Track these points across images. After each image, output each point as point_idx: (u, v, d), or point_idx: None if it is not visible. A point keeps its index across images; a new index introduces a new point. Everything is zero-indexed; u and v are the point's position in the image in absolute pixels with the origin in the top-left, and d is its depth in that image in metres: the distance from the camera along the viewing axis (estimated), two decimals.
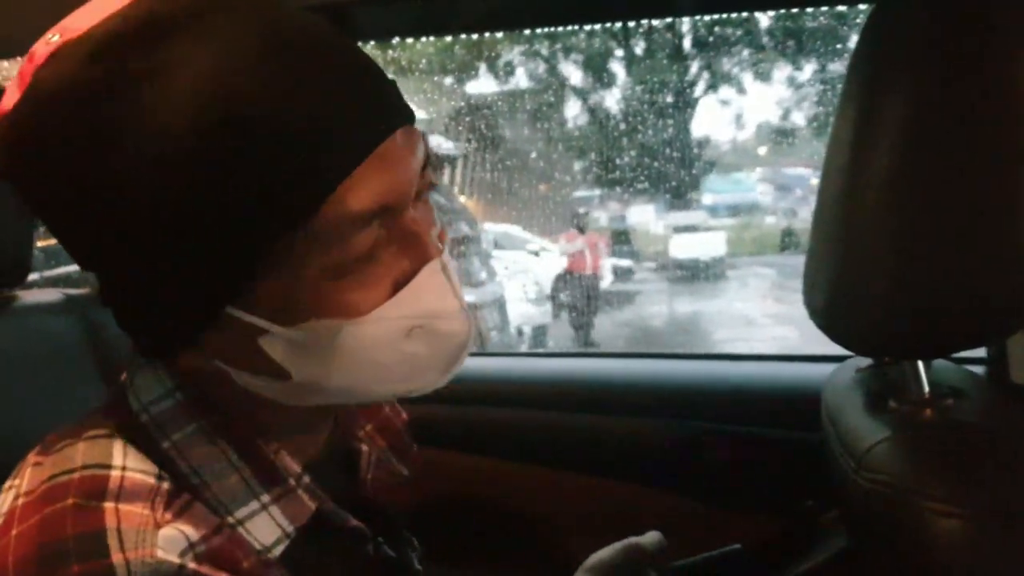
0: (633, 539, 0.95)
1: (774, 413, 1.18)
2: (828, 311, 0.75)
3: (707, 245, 8.00)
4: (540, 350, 5.21)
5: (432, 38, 6.54)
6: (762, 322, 6.74)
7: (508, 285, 5.51)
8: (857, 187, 0.71)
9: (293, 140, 0.50)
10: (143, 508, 0.53)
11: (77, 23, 0.52)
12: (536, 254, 6.91)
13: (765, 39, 7.53)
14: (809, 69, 7.28)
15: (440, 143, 6.14)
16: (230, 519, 0.57)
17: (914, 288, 0.66)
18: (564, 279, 6.67)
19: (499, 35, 7.58)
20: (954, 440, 0.67)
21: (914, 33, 0.69)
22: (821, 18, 5.82)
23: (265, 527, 0.59)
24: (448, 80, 7.28)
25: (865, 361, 0.89)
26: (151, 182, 0.49)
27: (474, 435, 1.41)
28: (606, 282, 7.20)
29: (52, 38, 0.53)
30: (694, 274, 7.64)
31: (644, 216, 8.47)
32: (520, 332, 5.55)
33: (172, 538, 0.52)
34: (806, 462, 0.98)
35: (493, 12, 1.37)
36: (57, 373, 1.06)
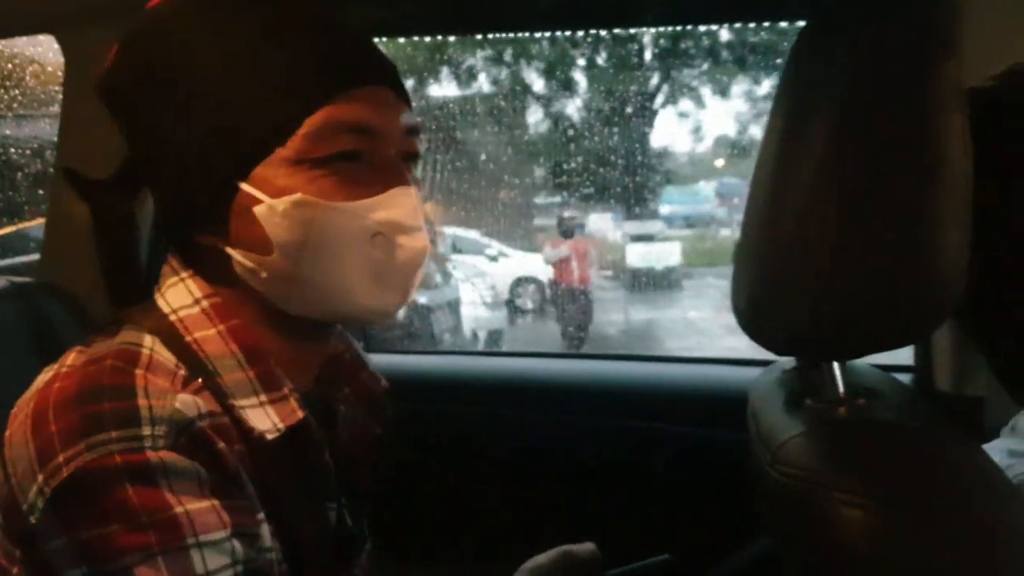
0: (568, 547, 0.98)
1: (712, 414, 1.21)
2: (750, 313, 0.79)
3: (663, 255, 8.06)
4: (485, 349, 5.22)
5: (392, 39, 6.54)
6: (715, 332, 6.82)
7: (464, 289, 5.53)
8: (781, 195, 0.74)
9: (308, 64, 0.69)
10: (165, 380, 0.65)
11: None
12: (494, 259, 6.92)
13: (724, 53, 7.66)
14: (767, 84, 7.40)
15: None
16: (236, 403, 0.69)
17: (830, 293, 0.69)
18: (555, 290, 6.25)
19: (462, 39, 7.61)
20: (863, 436, 0.71)
21: (839, 53, 0.73)
22: (780, 35, 5.93)
23: (261, 419, 0.70)
24: (410, 82, 7.27)
25: (791, 364, 0.92)
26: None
27: (417, 431, 1.43)
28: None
29: None
30: (650, 283, 7.71)
31: (602, 224, 8.50)
32: (475, 336, 5.57)
33: (188, 402, 0.64)
34: (739, 462, 1.02)
35: (454, 16, 1.40)
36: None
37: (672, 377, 1.38)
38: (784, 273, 0.73)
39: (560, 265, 6.36)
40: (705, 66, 7.88)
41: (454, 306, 5.06)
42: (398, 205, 0.71)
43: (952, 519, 0.61)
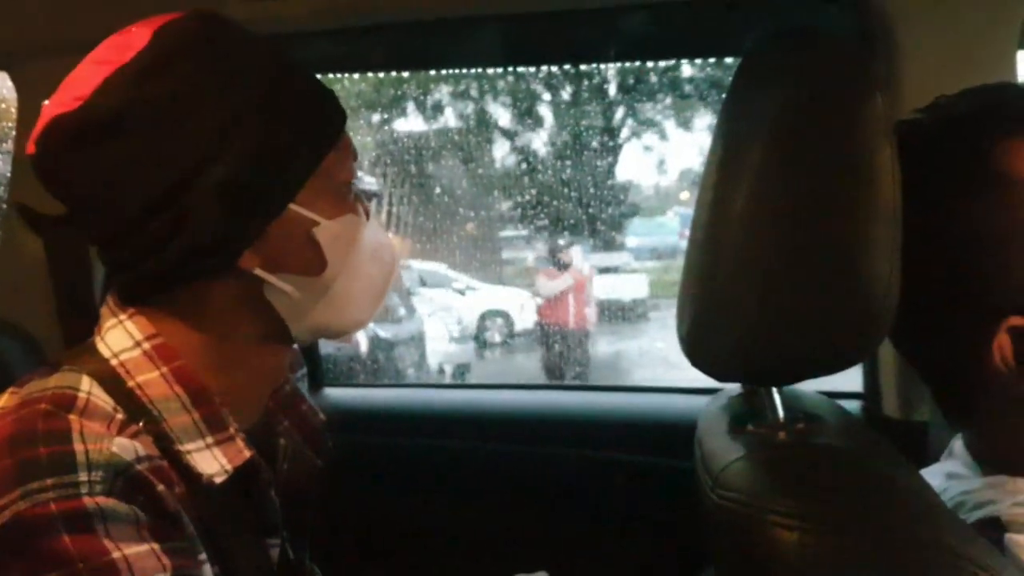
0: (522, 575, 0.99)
1: (665, 442, 1.22)
2: (691, 341, 0.80)
3: (630, 287, 8.10)
4: (443, 382, 5.16)
5: (359, 75, 6.57)
6: (682, 362, 6.77)
7: (431, 323, 5.51)
8: (718, 225, 0.76)
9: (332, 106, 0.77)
10: (101, 425, 0.64)
11: None
12: (461, 292, 6.91)
13: (687, 87, 7.78)
14: None
15: (361, 177, 6.13)
16: (180, 447, 0.69)
17: (765, 320, 0.71)
18: (545, 333, 5.42)
19: (430, 73, 7.67)
20: (801, 460, 0.72)
21: (773, 86, 0.75)
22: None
23: (208, 461, 0.70)
24: (376, 117, 7.31)
25: (737, 391, 0.94)
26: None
27: (380, 463, 1.43)
28: (530, 323, 7.16)
29: None
30: (617, 315, 7.74)
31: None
32: (441, 369, 5.54)
33: (126, 446, 0.64)
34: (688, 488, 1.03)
35: (419, 52, 1.43)
36: None
37: (627, 406, 1.39)
38: (722, 301, 0.74)
39: (555, 302, 5.50)
40: (668, 100, 8.00)
41: (418, 340, 5.04)
42: (379, 228, 0.81)
43: (883, 541, 0.62)
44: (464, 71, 7.43)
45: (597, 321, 6.86)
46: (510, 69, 7.78)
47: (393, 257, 0.82)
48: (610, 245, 8.06)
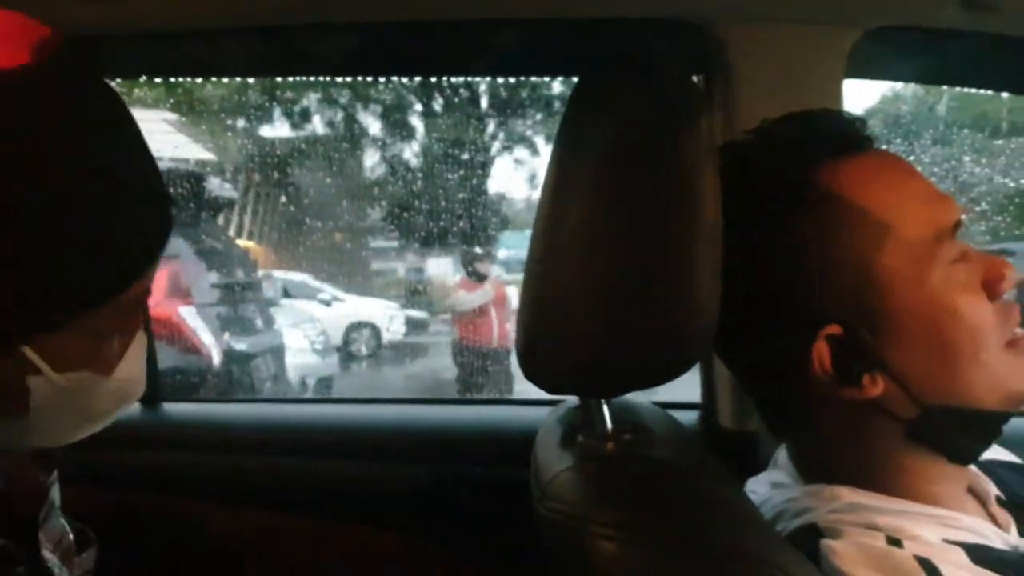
0: None
1: (510, 454, 1.22)
2: (526, 354, 0.81)
3: None
4: (287, 396, 4.99)
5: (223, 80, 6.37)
6: None
7: (294, 335, 5.37)
8: (554, 243, 0.77)
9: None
10: None
11: None
12: (327, 303, 6.78)
13: (557, 104, 7.92)
14: None
15: (220, 185, 5.93)
16: None
17: (593, 333, 0.72)
18: (459, 352, 4.83)
19: (297, 80, 7.50)
20: (624, 471, 0.73)
21: (605, 111, 0.76)
22: None
23: None
24: (241, 122, 7.10)
25: (575, 402, 0.95)
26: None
27: (220, 481, 1.37)
28: (398, 335, 7.10)
29: None
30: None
31: (440, 269, 8.53)
32: (304, 383, 5.40)
33: None
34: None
35: (256, 58, 1.38)
36: None
37: (473, 418, 1.39)
38: (555, 316, 0.75)
39: (472, 317, 4.86)
40: (539, 116, 8.12)
41: (276, 352, 4.89)
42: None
43: (699, 552, 0.64)
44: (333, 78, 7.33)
45: None
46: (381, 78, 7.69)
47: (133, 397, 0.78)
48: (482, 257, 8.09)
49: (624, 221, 0.72)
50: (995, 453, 0.95)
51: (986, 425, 0.78)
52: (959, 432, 0.77)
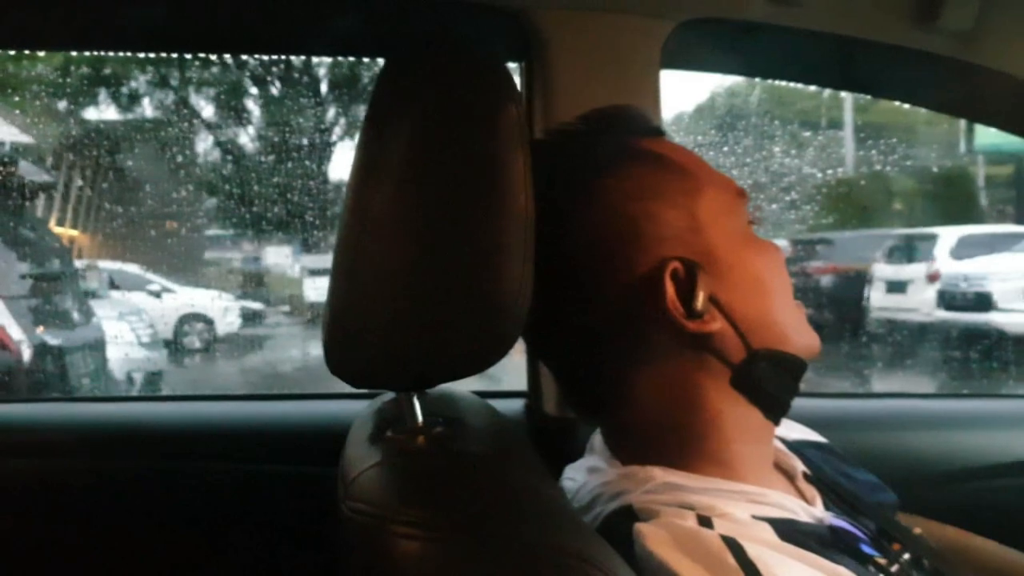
0: None
1: (320, 450, 1.19)
2: (332, 347, 0.77)
3: None
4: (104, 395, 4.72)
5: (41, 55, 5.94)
6: None
7: (120, 328, 5.05)
8: (360, 229, 0.74)
9: None
10: None
11: None
12: (157, 295, 6.42)
13: None
14: None
15: (34, 170, 5.51)
16: None
17: (402, 323, 0.70)
18: None
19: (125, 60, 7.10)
20: (432, 466, 0.72)
21: (415, 93, 0.74)
22: None
23: None
24: (63, 103, 6.62)
25: (389, 396, 0.92)
26: None
27: (27, 487, 1.28)
28: (234, 327, 6.80)
29: None
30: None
31: (279, 258, 8.28)
32: (130, 379, 5.10)
33: None
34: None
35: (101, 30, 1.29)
36: None
37: (286, 414, 1.34)
38: (361, 307, 0.73)
39: None
40: None
41: (96, 347, 4.59)
42: None
43: (506, 547, 0.63)
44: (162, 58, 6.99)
45: (306, 326, 6.68)
46: (214, 58, 7.37)
47: None
48: (323, 246, 7.92)
49: (434, 208, 0.70)
50: (800, 433, 1.01)
51: (796, 371, 0.85)
52: (776, 378, 0.83)
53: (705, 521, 0.74)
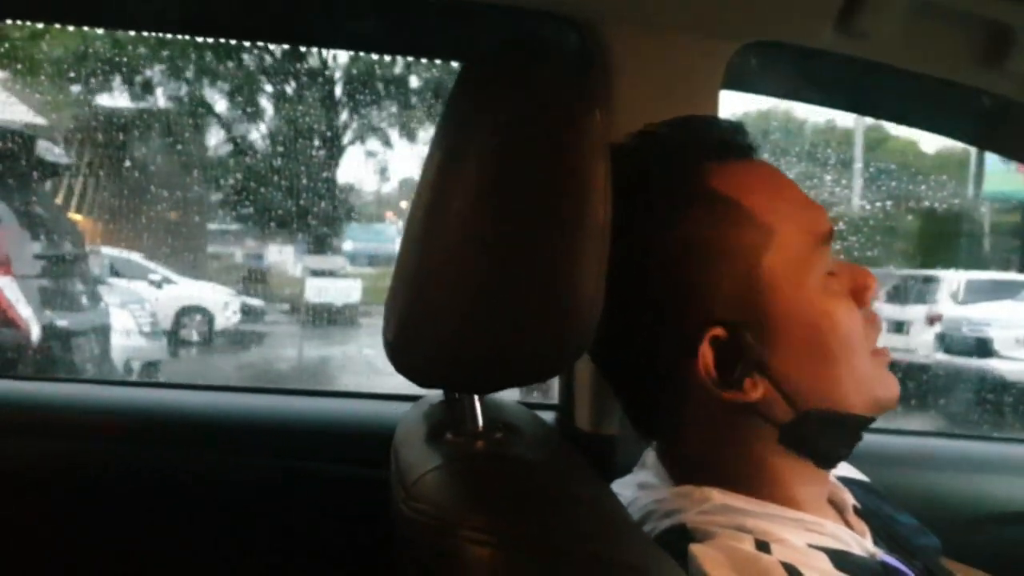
0: None
1: (362, 450, 1.17)
2: (397, 345, 0.76)
3: (343, 291, 7.99)
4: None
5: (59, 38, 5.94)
6: (388, 370, 6.80)
7: (121, 316, 5.03)
8: (432, 231, 0.73)
9: None
10: None
11: None
12: (158, 285, 6.39)
13: (414, 99, 7.85)
14: None
15: (49, 148, 5.47)
16: None
17: (471, 327, 0.69)
18: None
19: (141, 50, 7.09)
20: (495, 472, 0.71)
21: (494, 95, 0.73)
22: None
23: None
24: (76, 87, 6.62)
25: (438, 398, 0.91)
26: None
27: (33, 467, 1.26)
28: (233, 322, 6.77)
29: None
30: (327, 319, 7.59)
31: (281, 257, 8.28)
32: (129, 366, 5.07)
33: None
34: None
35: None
36: None
37: (321, 412, 1.33)
38: (431, 306, 0.72)
39: None
40: (394, 108, 8.03)
41: (101, 332, 4.57)
42: None
43: (569, 556, 0.62)
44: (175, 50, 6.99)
45: (305, 325, 6.66)
46: (231, 53, 7.36)
47: None
48: (325, 248, 7.92)
49: (511, 212, 0.69)
50: (846, 470, 0.99)
51: (853, 428, 0.82)
52: (829, 435, 0.80)
53: (763, 546, 0.73)
